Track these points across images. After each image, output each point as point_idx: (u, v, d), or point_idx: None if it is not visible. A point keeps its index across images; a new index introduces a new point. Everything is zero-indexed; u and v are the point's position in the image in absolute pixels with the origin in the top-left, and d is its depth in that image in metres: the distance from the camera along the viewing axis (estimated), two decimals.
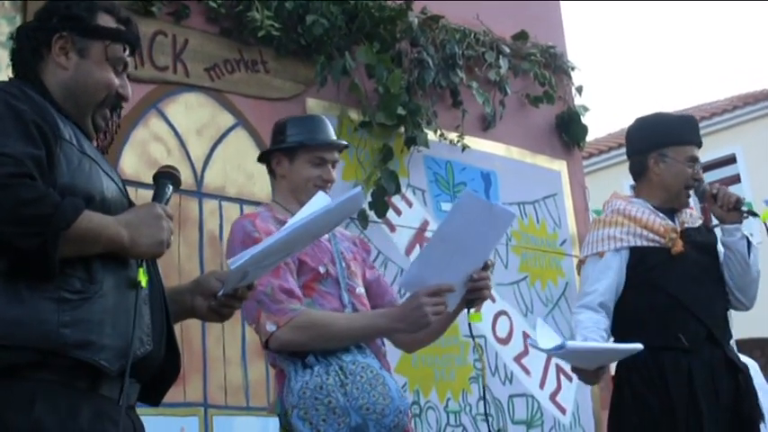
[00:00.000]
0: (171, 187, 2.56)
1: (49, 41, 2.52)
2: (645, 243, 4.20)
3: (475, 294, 3.30)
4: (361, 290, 3.49)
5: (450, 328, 3.57)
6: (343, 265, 3.49)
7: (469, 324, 3.32)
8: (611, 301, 4.19)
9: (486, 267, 3.29)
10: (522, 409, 6.78)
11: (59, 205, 2.19)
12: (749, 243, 4.25)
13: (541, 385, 6.97)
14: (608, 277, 4.20)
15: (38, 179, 2.21)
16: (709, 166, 19.55)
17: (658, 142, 4.35)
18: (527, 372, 6.90)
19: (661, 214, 4.27)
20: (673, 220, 4.26)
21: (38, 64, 2.52)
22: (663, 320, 4.12)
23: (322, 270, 3.41)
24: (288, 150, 3.59)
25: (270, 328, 3.27)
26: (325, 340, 3.26)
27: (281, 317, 3.25)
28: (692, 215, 4.41)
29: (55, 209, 2.18)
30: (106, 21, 2.59)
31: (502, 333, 6.83)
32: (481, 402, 6.54)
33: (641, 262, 4.19)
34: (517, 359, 6.88)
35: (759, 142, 18.71)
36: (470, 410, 6.48)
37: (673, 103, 46.00)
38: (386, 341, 3.55)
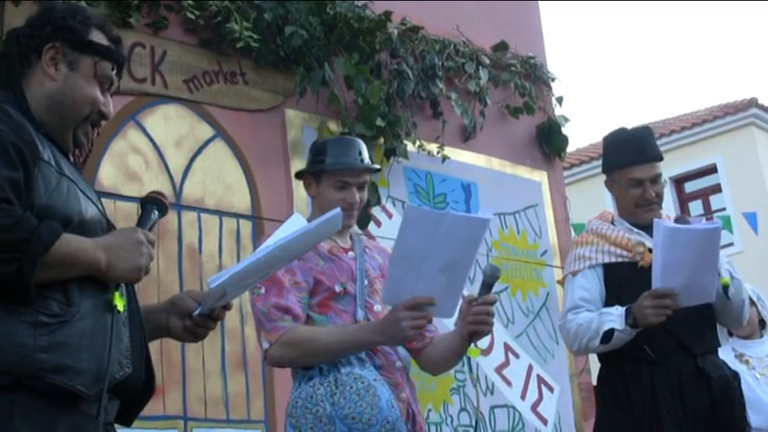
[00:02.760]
0: (157, 213, 2.56)
1: (40, 49, 2.49)
2: (614, 259, 4.22)
3: (474, 327, 3.32)
4: (379, 307, 3.52)
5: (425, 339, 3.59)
6: (365, 282, 3.55)
7: (468, 358, 3.35)
8: (593, 303, 4.20)
9: (487, 302, 3.32)
10: (503, 420, 6.76)
11: (36, 230, 2.17)
12: (727, 286, 4.19)
13: (523, 396, 6.96)
14: (585, 289, 4.23)
15: (15, 203, 2.19)
16: (691, 176, 19.65)
17: (607, 167, 4.45)
18: (508, 383, 6.89)
19: (636, 230, 4.28)
20: (651, 235, 4.23)
21: (24, 71, 2.49)
22: None
23: (338, 288, 3.48)
24: (315, 172, 3.68)
25: (264, 345, 3.40)
26: (310, 355, 3.35)
27: (273, 334, 3.36)
28: None
29: (31, 233, 2.16)
30: (99, 37, 2.57)
31: (483, 344, 6.81)
32: (463, 413, 6.53)
33: (612, 278, 4.22)
34: (498, 370, 6.86)
35: (740, 152, 18.80)
36: (451, 422, 6.46)
37: (653, 113, 46.36)
38: (407, 357, 3.61)
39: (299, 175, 3.81)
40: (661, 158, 4.39)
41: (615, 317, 4.04)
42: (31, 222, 2.18)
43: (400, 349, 3.53)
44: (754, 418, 5.64)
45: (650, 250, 4.14)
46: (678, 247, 3.91)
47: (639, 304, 3.96)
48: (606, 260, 4.24)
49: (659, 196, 4.33)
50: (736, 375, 4.24)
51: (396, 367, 3.46)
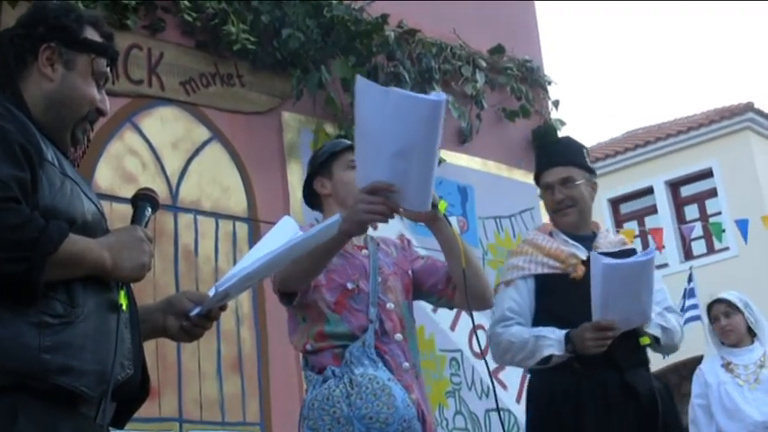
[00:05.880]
0: (150, 210, 2.54)
1: (36, 50, 2.48)
2: (546, 270, 4.21)
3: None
4: (392, 305, 3.53)
5: (426, 343, 3.58)
6: (379, 280, 3.55)
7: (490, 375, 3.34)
8: (522, 315, 4.20)
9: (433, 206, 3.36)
10: (498, 424, 6.76)
11: (44, 229, 2.16)
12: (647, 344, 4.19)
13: (518, 399, 6.95)
14: (514, 301, 4.21)
15: (23, 203, 2.18)
16: (686, 180, 19.66)
17: (534, 179, 4.49)
18: (504, 386, 6.89)
19: (572, 242, 4.26)
20: (588, 247, 4.22)
21: (20, 72, 2.47)
22: None
23: (350, 286, 3.48)
24: (324, 169, 3.68)
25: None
26: (306, 259, 3.20)
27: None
28: (612, 240, 4.38)
29: (40, 233, 2.15)
30: (92, 34, 2.56)
31: (478, 347, 6.81)
32: (458, 416, 6.54)
33: (544, 289, 4.21)
34: (494, 373, 6.85)
35: (735, 156, 18.82)
36: (447, 425, 6.46)
37: (649, 117, 46.34)
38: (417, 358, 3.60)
39: (309, 187, 3.74)
40: (573, 163, 4.33)
41: (554, 341, 4.03)
42: (39, 222, 2.17)
43: (412, 349, 3.54)
44: (732, 427, 5.64)
45: (583, 262, 4.14)
46: (616, 282, 3.92)
47: (581, 335, 3.95)
48: (538, 271, 4.22)
49: (572, 199, 4.27)
50: (665, 387, 4.24)
51: (403, 369, 3.46)
